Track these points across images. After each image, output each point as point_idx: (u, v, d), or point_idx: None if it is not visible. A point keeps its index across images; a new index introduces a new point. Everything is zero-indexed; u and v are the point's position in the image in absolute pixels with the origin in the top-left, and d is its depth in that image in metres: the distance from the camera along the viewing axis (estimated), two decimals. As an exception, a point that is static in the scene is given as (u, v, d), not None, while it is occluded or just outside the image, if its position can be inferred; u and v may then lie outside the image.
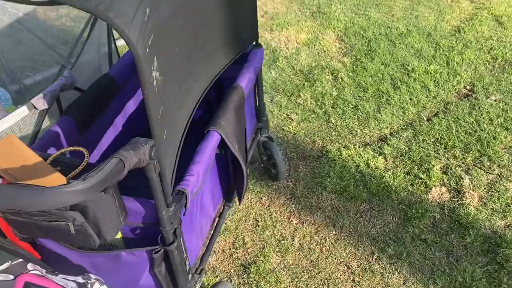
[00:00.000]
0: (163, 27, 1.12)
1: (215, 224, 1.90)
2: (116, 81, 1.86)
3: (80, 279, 1.35)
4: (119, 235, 1.39)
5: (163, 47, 1.13)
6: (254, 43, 2.01)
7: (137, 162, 1.08)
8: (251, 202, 2.33)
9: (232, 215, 2.27)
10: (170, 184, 1.26)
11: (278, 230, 2.19)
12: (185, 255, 1.42)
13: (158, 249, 1.32)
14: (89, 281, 1.34)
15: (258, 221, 2.23)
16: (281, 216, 2.26)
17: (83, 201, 1.10)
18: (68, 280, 1.33)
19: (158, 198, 1.20)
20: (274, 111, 2.92)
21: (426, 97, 2.90)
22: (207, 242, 1.83)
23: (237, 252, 2.10)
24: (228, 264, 2.06)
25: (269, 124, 2.32)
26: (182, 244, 1.39)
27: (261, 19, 3.91)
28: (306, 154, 2.59)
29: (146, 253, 1.36)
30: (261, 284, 1.96)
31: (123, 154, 1.04)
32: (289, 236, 2.16)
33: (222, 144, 1.63)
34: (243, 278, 2.00)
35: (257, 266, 2.02)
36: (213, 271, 2.03)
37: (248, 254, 2.09)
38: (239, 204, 1.84)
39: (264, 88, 3.11)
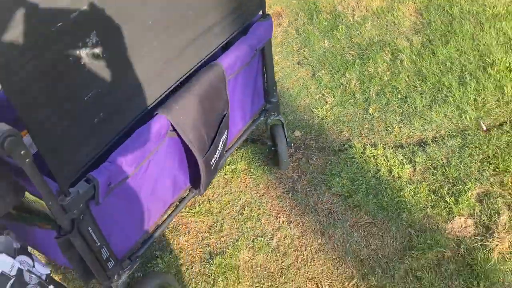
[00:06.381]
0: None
1: (170, 210, 1.74)
2: None
3: None
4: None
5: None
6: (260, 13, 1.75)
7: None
8: (246, 187, 2.16)
9: (221, 196, 2.13)
10: (66, 172, 1.15)
11: (261, 224, 2.00)
12: (99, 243, 1.34)
13: (57, 236, 1.25)
14: None
15: (245, 209, 2.06)
16: (270, 209, 2.06)
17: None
18: None
19: (40, 186, 1.10)
20: (310, 87, 2.61)
21: (496, 100, 2.34)
22: (156, 228, 1.70)
23: (210, 237, 1.98)
24: (197, 248, 1.96)
25: (280, 106, 2.06)
26: (93, 234, 1.30)
27: (339, -23, 3.46)
28: (326, 145, 2.30)
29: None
30: (219, 280, 1.83)
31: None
32: (269, 234, 1.96)
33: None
34: (204, 267, 1.88)
35: (222, 259, 1.89)
36: (179, 251, 1.95)
37: (220, 243, 1.95)
38: (200, 194, 1.69)
39: (310, 59, 2.80)
